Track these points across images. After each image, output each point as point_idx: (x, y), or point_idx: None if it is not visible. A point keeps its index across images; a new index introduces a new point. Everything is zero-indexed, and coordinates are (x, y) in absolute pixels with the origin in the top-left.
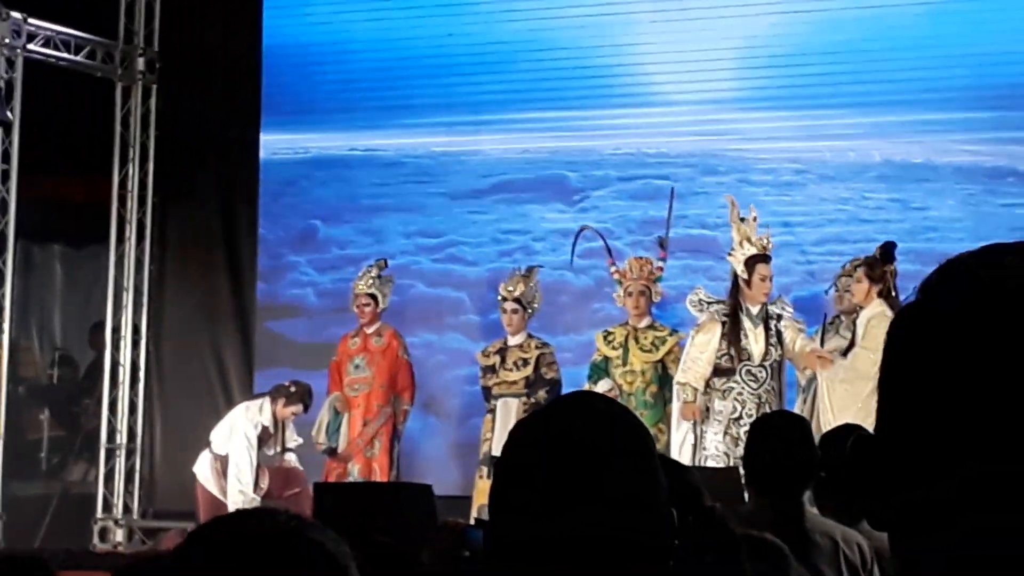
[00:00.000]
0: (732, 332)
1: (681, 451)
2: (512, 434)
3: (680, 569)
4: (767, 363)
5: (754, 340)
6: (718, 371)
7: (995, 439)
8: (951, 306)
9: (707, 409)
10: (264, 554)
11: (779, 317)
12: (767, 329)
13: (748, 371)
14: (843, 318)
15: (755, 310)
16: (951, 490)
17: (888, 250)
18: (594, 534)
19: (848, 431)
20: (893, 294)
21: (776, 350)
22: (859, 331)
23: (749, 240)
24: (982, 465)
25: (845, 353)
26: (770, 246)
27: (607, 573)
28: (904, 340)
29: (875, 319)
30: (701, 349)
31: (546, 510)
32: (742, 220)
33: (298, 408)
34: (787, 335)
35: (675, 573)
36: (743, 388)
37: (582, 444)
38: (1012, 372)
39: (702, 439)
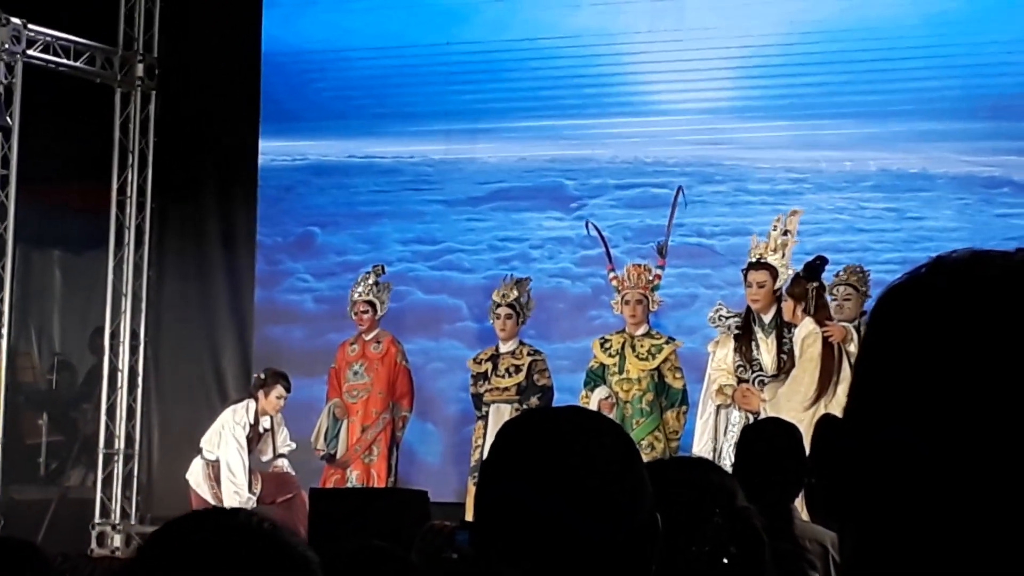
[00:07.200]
0: (744, 343)
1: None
2: (499, 436)
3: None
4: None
5: (766, 350)
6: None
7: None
8: (941, 285)
9: (726, 422)
10: (235, 552)
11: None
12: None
13: (761, 381)
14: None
15: (767, 319)
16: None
17: (813, 265)
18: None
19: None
20: (825, 311)
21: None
22: (796, 351)
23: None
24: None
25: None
26: (768, 254)
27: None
28: (883, 317)
29: (809, 338)
30: (719, 365)
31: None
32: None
33: (279, 391)
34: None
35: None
36: None
37: (566, 448)
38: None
39: (719, 452)
